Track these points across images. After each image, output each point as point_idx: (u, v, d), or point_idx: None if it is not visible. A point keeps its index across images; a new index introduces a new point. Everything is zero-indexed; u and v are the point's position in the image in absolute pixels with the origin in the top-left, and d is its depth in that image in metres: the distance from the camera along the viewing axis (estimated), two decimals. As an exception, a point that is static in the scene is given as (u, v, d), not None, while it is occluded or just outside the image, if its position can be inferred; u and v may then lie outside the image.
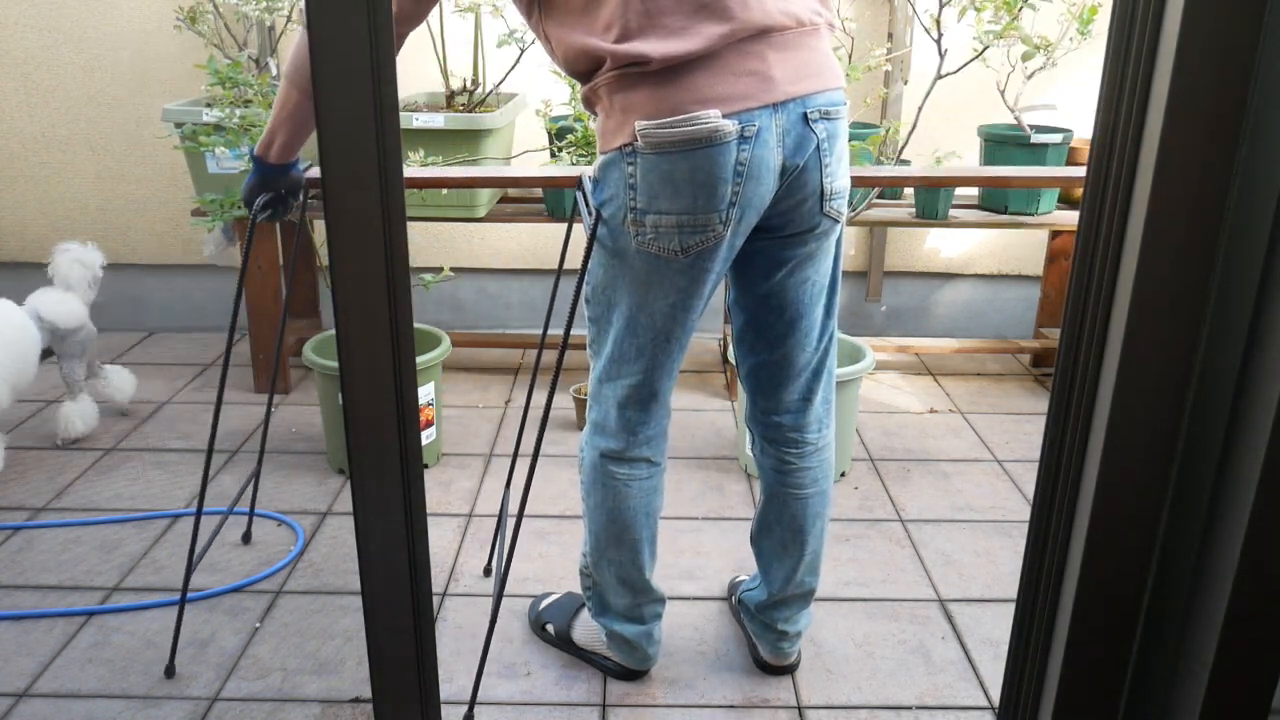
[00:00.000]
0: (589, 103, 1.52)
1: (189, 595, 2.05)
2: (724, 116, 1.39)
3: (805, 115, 1.45)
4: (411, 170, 2.66)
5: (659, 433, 1.69)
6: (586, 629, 1.86)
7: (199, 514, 1.80)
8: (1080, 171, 2.91)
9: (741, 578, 2.06)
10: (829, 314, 1.67)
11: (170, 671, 1.83)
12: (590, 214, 1.55)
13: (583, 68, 1.47)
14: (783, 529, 1.76)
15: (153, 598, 2.04)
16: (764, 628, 1.83)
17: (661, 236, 1.47)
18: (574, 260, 3.59)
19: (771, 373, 1.69)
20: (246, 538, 2.27)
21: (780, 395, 1.70)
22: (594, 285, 1.61)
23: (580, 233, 1.64)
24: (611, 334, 1.60)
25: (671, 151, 1.41)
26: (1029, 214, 2.99)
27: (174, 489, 2.47)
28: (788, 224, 1.54)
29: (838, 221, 1.57)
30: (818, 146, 1.48)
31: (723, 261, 1.53)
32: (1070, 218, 3.03)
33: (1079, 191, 2.98)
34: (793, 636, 1.82)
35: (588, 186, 1.56)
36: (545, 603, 1.98)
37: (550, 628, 1.92)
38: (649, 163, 1.43)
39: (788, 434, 1.72)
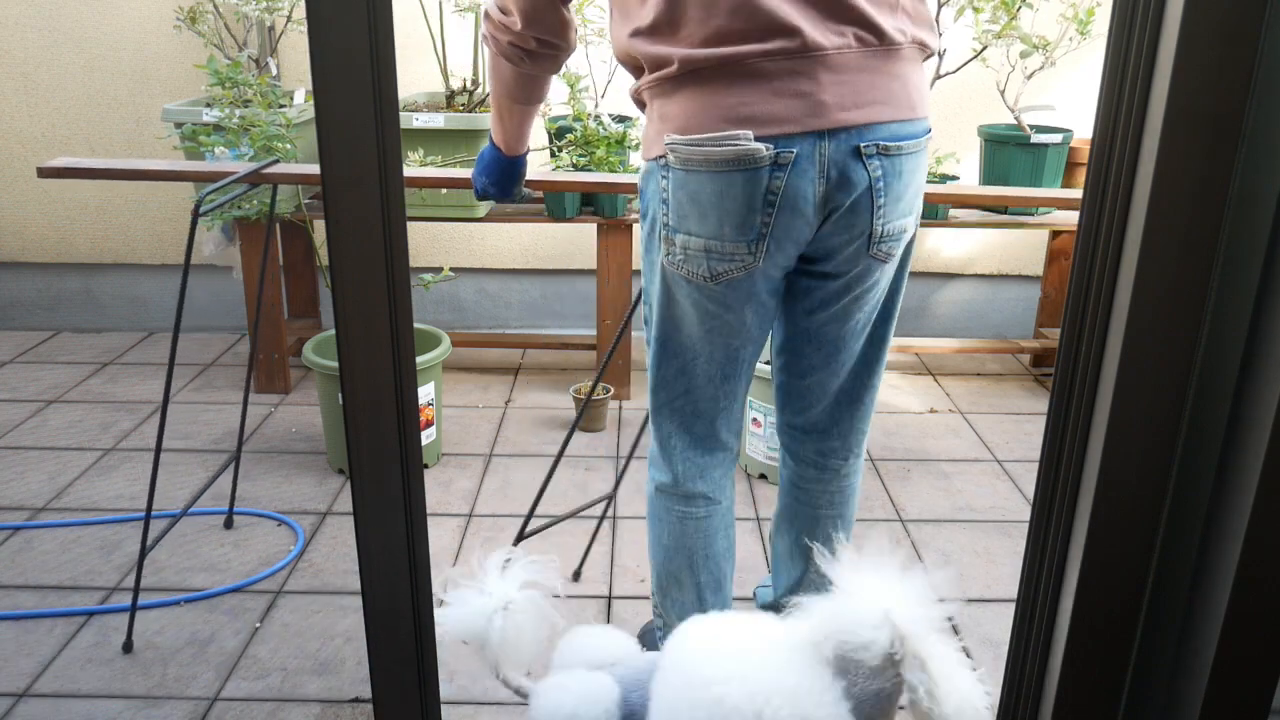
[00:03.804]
0: (639, 104, 1.43)
1: (189, 596, 2.05)
2: (757, 139, 1.25)
3: (859, 149, 1.27)
4: (412, 170, 2.66)
5: (715, 465, 1.56)
6: None
7: (148, 517, 1.80)
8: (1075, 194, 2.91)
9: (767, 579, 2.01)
10: (875, 344, 1.53)
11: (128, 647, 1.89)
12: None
13: (629, 65, 1.40)
14: (792, 540, 1.70)
15: (153, 598, 2.03)
16: None
17: (690, 259, 1.36)
18: (567, 259, 3.59)
19: (801, 393, 1.59)
20: (228, 523, 2.33)
21: (807, 414, 1.60)
22: (645, 293, 1.50)
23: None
24: (651, 351, 1.51)
25: (699, 170, 1.30)
26: (1029, 214, 3.00)
27: (174, 489, 2.47)
28: (828, 259, 1.39)
29: (885, 263, 1.41)
30: (870, 185, 1.30)
31: (765, 294, 1.40)
32: (1070, 218, 3.03)
33: (1079, 191, 2.97)
34: None
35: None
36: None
37: None
38: (679, 179, 1.33)
39: (810, 454, 1.63)
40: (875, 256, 1.39)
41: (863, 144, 1.28)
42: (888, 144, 1.29)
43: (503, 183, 1.71)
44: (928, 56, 1.38)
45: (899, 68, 1.30)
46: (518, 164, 1.71)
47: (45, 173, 2.40)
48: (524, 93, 1.54)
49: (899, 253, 1.42)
